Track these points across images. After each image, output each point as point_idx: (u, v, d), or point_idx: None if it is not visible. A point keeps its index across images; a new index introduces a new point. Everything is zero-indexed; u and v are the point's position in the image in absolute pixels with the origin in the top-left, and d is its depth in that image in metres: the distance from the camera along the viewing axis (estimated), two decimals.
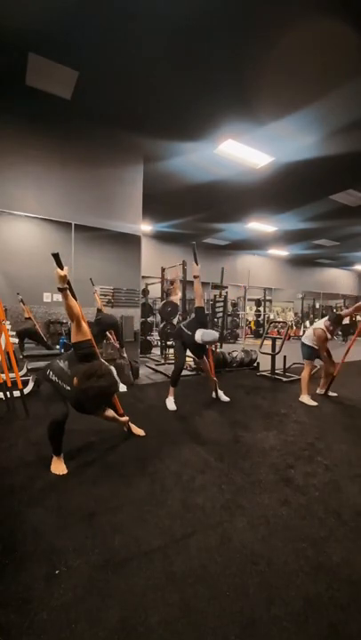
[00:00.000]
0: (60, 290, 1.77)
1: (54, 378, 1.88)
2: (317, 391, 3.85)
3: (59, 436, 1.91)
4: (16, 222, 4.00)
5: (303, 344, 3.64)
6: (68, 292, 1.78)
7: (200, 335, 3.03)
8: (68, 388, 1.77)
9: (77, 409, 1.87)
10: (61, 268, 1.79)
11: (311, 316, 13.16)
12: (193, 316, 3.37)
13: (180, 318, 5.75)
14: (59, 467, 1.92)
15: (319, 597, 1.13)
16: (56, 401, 1.91)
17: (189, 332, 3.16)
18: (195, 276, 3.18)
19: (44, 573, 1.20)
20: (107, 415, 2.21)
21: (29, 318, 4.13)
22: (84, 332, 1.82)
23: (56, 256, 1.80)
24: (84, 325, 1.84)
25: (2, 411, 2.88)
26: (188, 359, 3.94)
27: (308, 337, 3.58)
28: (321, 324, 3.48)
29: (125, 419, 2.41)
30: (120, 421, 2.37)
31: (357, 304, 3.59)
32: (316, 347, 3.50)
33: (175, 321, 5.98)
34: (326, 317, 3.50)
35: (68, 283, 1.83)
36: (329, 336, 3.41)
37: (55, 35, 2.71)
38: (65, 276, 1.78)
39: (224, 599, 1.12)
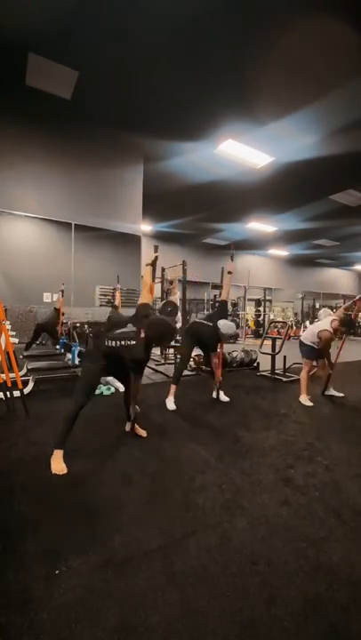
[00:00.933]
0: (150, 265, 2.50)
1: (114, 343, 2.03)
2: (324, 392, 3.83)
3: (72, 424, 1.99)
4: (16, 222, 4.00)
5: (303, 343, 3.58)
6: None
7: (222, 324, 3.08)
8: (132, 342, 2.01)
9: (134, 362, 2.09)
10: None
11: (311, 316, 13.15)
12: (214, 310, 3.45)
13: (180, 317, 5.75)
14: (59, 465, 1.92)
15: (319, 597, 1.13)
16: (89, 385, 2.07)
17: (210, 324, 3.19)
18: (229, 272, 3.36)
19: (44, 573, 1.20)
20: (138, 386, 2.40)
21: (59, 310, 4.18)
22: (146, 297, 2.32)
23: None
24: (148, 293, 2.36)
25: (2, 411, 2.88)
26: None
27: (308, 336, 3.54)
28: (327, 324, 3.37)
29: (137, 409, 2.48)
30: (136, 403, 2.44)
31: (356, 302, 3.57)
32: (316, 346, 3.47)
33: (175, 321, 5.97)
34: (331, 317, 3.40)
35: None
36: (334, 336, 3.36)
37: (55, 35, 2.72)
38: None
39: (224, 599, 1.11)
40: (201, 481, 1.87)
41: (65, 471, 1.90)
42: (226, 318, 3.24)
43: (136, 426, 2.50)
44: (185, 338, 3.44)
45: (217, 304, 3.47)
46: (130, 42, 2.77)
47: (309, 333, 3.53)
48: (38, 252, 4.11)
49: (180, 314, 4.64)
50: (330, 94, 3.33)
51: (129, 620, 1.04)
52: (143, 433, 2.49)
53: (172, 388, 3.27)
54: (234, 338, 3.27)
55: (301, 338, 3.64)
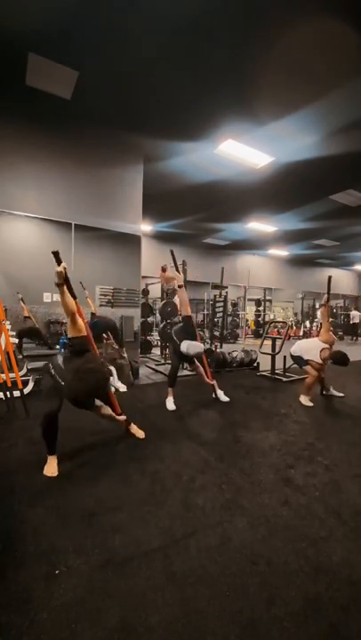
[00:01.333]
0: (57, 285, 1.82)
1: (53, 372, 1.89)
2: (323, 392, 3.85)
3: (52, 432, 1.91)
4: (16, 222, 4.00)
5: (293, 355, 3.67)
6: (64, 287, 1.83)
7: (185, 347, 2.97)
8: (62, 382, 1.80)
9: (73, 403, 1.89)
10: (59, 265, 1.84)
11: (311, 317, 13.17)
12: (181, 324, 3.32)
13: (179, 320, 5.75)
14: (51, 468, 1.91)
15: (319, 597, 1.13)
16: (52, 395, 1.93)
17: (177, 342, 3.13)
18: (179, 286, 3.09)
19: (44, 573, 1.20)
20: (103, 413, 2.22)
21: (28, 317, 4.14)
22: (79, 327, 1.86)
23: (56, 254, 1.87)
24: (80, 321, 1.87)
25: (2, 411, 2.88)
26: None
27: (296, 350, 3.63)
28: (316, 353, 3.39)
29: (122, 418, 2.40)
30: (117, 420, 2.36)
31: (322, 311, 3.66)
32: (307, 358, 3.50)
33: (176, 320, 5.98)
34: (321, 345, 3.41)
35: (67, 280, 1.86)
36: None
37: (55, 35, 2.71)
38: (61, 272, 1.82)
39: (224, 599, 1.11)
40: (201, 481, 1.87)
41: (55, 473, 1.88)
42: (193, 334, 3.14)
43: (133, 426, 2.49)
44: (170, 345, 3.41)
45: (181, 321, 3.32)
46: (130, 42, 2.77)
47: (297, 348, 3.65)
48: (38, 252, 4.11)
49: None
50: (330, 94, 3.32)
51: (129, 619, 1.04)
52: (141, 434, 2.48)
53: (170, 390, 3.29)
54: (202, 354, 3.17)
55: (291, 351, 3.73)
